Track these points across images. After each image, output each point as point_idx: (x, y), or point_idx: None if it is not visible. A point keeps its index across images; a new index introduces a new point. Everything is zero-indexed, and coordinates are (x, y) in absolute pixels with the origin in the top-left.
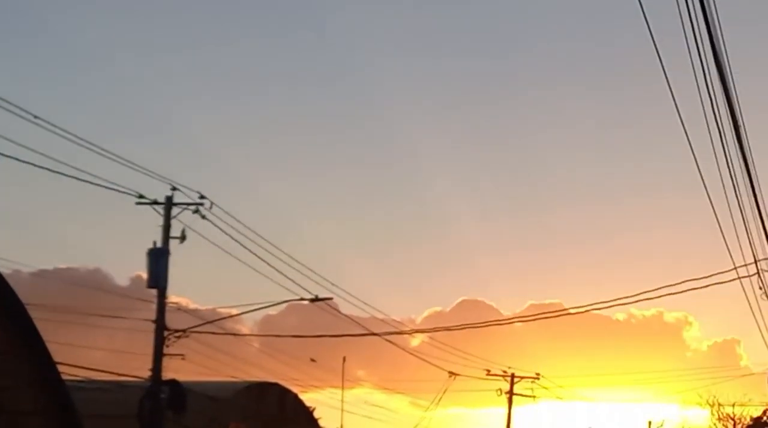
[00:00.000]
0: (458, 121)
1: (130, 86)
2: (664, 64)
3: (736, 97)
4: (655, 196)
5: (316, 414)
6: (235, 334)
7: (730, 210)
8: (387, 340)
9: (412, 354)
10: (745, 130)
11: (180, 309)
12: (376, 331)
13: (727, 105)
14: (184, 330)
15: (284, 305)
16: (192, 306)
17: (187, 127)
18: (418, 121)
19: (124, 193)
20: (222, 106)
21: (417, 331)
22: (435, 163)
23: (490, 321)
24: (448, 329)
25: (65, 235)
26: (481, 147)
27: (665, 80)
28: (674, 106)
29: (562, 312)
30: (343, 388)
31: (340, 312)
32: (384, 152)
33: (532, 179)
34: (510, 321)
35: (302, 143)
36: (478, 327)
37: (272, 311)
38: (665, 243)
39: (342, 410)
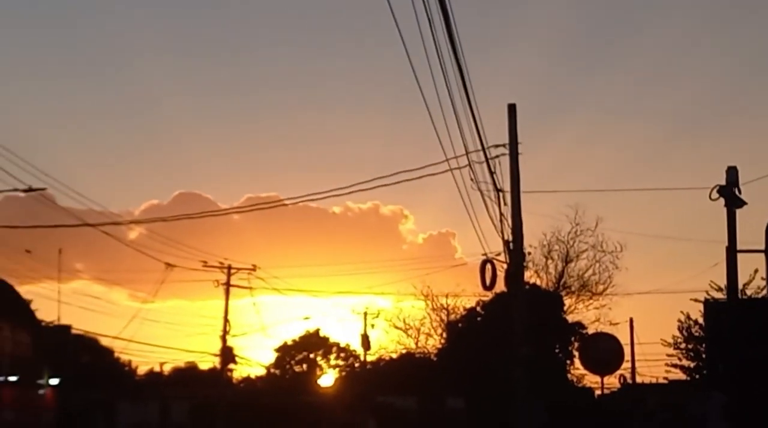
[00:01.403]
0: (172, 16)
1: None
2: None
3: None
4: (368, 88)
5: (32, 306)
6: None
7: (440, 102)
8: (104, 232)
9: (129, 246)
10: (454, 19)
11: None
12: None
13: None
14: None
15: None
16: None
17: None
18: (136, 14)
19: None
20: None
21: (133, 222)
22: (153, 54)
23: (207, 212)
24: (164, 220)
25: None
26: (198, 42)
27: None
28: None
29: (277, 204)
30: (59, 280)
31: (56, 203)
32: (101, 42)
33: (247, 70)
34: (226, 212)
35: (14, 32)
36: (194, 218)
37: None
38: (380, 138)
39: (59, 302)
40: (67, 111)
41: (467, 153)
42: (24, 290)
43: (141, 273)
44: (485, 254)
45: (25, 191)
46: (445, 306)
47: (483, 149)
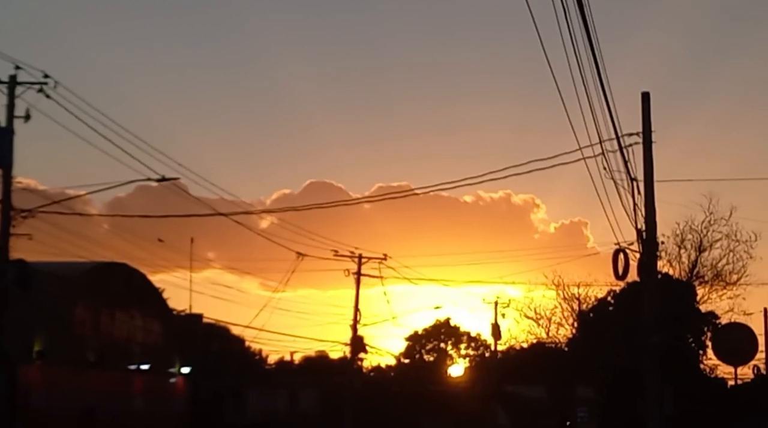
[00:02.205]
0: (306, 6)
1: None
2: None
3: None
4: (499, 76)
5: (164, 295)
6: (81, 214)
7: (576, 90)
8: (236, 221)
9: (260, 235)
10: (589, 7)
11: (26, 189)
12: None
13: None
14: (30, 210)
15: (133, 187)
16: (41, 188)
17: (29, 5)
18: (268, 6)
19: None
20: None
21: (264, 211)
22: (285, 46)
23: (338, 202)
24: (296, 209)
25: None
26: (330, 34)
27: None
28: None
29: (408, 193)
30: (191, 269)
31: (188, 193)
32: (234, 34)
33: (377, 61)
34: (357, 201)
35: (150, 25)
36: (325, 207)
37: (121, 193)
38: (512, 126)
39: (190, 290)
40: (200, 102)
41: (601, 141)
42: (156, 279)
43: (272, 262)
44: (618, 243)
45: (158, 180)
46: (577, 295)
47: (617, 137)
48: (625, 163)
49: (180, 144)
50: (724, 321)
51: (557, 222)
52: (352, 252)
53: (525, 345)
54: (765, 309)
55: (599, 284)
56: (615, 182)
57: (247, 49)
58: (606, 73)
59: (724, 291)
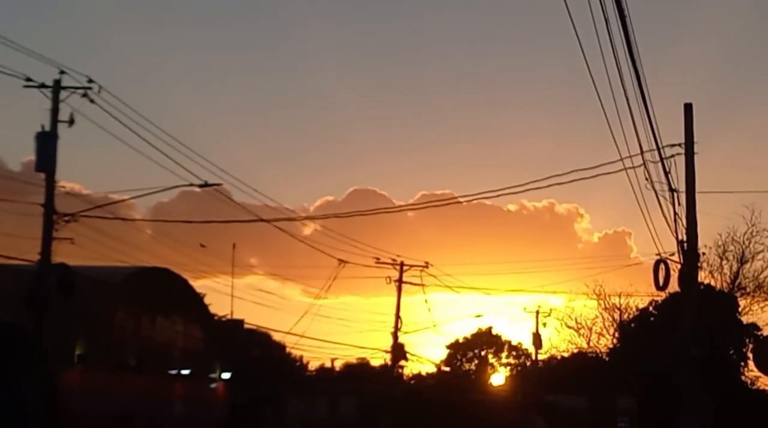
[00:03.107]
0: (349, 12)
1: None
2: None
3: None
4: (542, 85)
5: (206, 301)
6: (123, 219)
7: (615, 101)
8: (278, 228)
9: (303, 242)
10: (630, 18)
11: (69, 193)
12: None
13: None
14: (72, 214)
15: (176, 192)
16: (84, 192)
17: (74, 10)
18: (311, 15)
19: (10, 75)
20: None
21: (307, 218)
22: (328, 54)
23: (381, 209)
24: (338, 216)
25: None
26: (373, 43)
27: None
28: None
29: (451, 201)
30: (233, 275)
31: (232, 199)
32: (278, 43)
33: (420, 69)
34: (400, 209)
35: (194, 32)
36: (368, 214)
37: (165, 198)
38: (555, 135)
39: (232, 296)
40: (244, 108)
41: (642, 152)
42: (198, 284)
43: (314, 268)
44: (659, 254)
45: (201, 186)
46: (618, 305)
47: (658, 148)
48: (666, 174)
49: (223, 150)
50: (765, 332)
51: (601, 232)
52: (393, 260)
53: (566, 355)
54: None
55: (640, 294)
56: (656, 193)
57: (291, 57)
58: (647, 83)
59: (766, 302)
